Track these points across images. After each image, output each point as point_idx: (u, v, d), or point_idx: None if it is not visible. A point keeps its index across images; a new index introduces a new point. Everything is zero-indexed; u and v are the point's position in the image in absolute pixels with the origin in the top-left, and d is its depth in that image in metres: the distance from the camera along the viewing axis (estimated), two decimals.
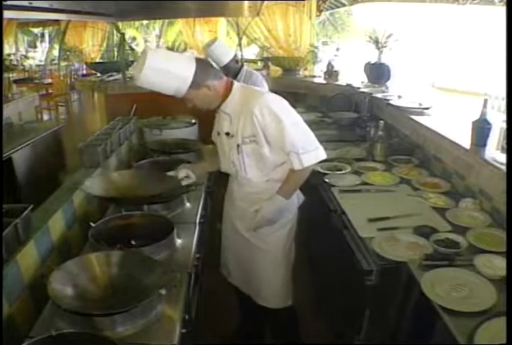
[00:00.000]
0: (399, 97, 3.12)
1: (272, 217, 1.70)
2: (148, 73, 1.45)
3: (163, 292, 1.33)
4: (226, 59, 3.00)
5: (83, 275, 1.40)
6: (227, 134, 1.66)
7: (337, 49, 5.20)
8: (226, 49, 3.07)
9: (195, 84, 1.51)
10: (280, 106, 1.59)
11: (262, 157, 1.64)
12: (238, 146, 1.64)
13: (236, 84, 1.66)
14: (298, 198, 1.83)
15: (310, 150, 1.59)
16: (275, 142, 1.59)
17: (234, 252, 1.94)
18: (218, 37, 7.99)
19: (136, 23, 11.58)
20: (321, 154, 1.63)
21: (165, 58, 1.49)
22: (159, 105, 2.99)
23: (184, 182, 1.82)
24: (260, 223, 1.70)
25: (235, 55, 3.17)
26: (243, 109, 1.60)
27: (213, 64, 2.90)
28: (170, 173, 1.84)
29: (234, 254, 1.94)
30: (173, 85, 1.50)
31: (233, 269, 1.98)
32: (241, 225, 1.82)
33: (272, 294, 1.87)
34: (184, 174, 1.81)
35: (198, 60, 1.55)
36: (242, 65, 3.17)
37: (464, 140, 2.03)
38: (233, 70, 3.04)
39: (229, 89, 1.63)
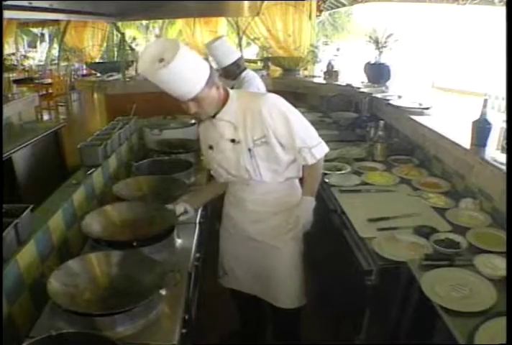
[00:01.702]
0: (399, 97, 3.12)
1: (311, 220, 1.74)
2: (173, 70, 1.35)
3: (163, 292, 1.33)
4: (226, 61, 2.83)
5: (83, 275, 1.40)
6: (232, 140, 1.61)
7: (337, 49, 5.19)
8: (229, 50, 2.90)
9: (210, 81, 1.47)
10: (284, 104, 1.60)
11: (276, 157, 1.63)
12: (249, 150, 1.60)
13: (230, 90, 1.63)
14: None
15: (317, 143, 1.65)
16: (286, 141, 1.60)
17: (243, 258, 1.86)
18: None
19: (136, 23, 11.57)
20: (325, 146, 1.70)
21: (191, 56, 1.41)
22: (159, 105, 2.98)
23: (182, 218, 1.75)
24: (301, 229, 1.74)
25: (240, 59, 2.97)
26: (247, 113, 1.57)
27: (213, 64, 2.80)
28: (169, 206, 1.77)
29: (243, 260, 1.87)
30: (189, 86, 1.42)
31: (242, 275, 1.91)
32: (255, 229, 1.78)
33: (291, 294, 1.84)
34: (182, 209, 1.75)
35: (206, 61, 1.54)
36: (245, 69, 3.00)
37: (464, 140, 2.03)
38: (232, 74, 2.90)
39: (226, 95, 1.59)
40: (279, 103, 1.58)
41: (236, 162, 1.64)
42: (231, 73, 2.92)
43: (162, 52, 1.37)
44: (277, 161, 1.64)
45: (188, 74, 1.39)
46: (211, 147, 1.69)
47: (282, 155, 1.63)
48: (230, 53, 2.88)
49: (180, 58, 1.34)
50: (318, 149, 1.65)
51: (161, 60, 1.35)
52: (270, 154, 1.62)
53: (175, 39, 1.70)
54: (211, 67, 1.48)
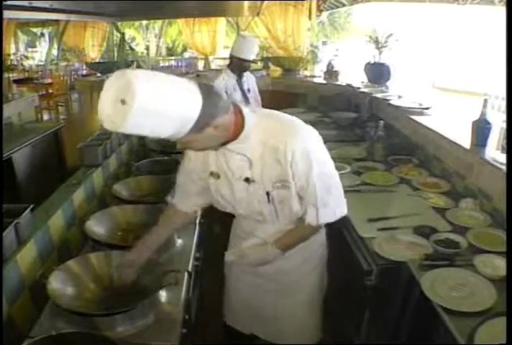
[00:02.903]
0: (399, 97, 3.12)
1: (255, 266, 1.45)
2: (136, 119, 0.96)
3: (163, 292, 1.33)
4: (253, 56, 3.16)
5: (82, 275, 1.40)
6: (247, 179, 1.31)
7: (337, 49, 5.20)
8: (256, 47, 3.24)
9: (200, 124, 1.07)
10: (317, 147, 1.29)
11: (293, 205, 1.35)
12: (268, 193, 1.31)
13: (247, 115, 1.24)
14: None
15: (331, 204, 1.35)
16: (300, 192, 1.32)
17: (254, 301, 1.63)
18: (218, 36, 8.00)
19: (136, 23, 11.58)
20: (341, 212, 1.39)
21: (160, 92, 0.99)
22: None
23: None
24: (239, 263, 1.46)
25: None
26: (267, 148, 1.25)
27: (238, 53, 3.08)
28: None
29: (253, 303, 1.64)
30: (170, 130, 1.04)
31: (250, 314, 1.67)
32: (272, 268, 1.50)
33: (310, 329, 1.67)
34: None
35: (203, 89, 1.07)
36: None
37: (464, 140, 2.03)
38: (245, 69, 3.21)
39: (240, 124, 1.22)
40: (311, 146, 1.26)
41: (248, 204, 1.37)
42: (245, 69, 3.22)
43: (123, 90, 0.96)
44: (295, 209, 1.37)
45: (156, 123, 1.01)
46: (213, 174, 1.35)
47: (297, 205, 1.35)
48: (256, 50, 3.24)
49: (144, 98, 0.94)
50: (328, 212, 1.35)
51: (122, 101, 0.96)
52: (288, 199, 1.34)
53: (147, 75, 0.93)
54: (206, 104, 1.06)
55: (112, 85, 0.99)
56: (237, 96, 3.18)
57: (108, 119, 0.99)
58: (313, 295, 1.62)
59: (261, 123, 1.26)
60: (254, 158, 1.27)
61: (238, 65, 3.16)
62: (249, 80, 3.33)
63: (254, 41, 3.22)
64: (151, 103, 0.96)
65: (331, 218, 1.37)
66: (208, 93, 1.09)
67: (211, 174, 1.35)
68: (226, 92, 3.10)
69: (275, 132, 1.25)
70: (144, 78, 0.98)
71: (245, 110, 1.26)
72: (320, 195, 1.30)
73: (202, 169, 1.38)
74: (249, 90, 3.31)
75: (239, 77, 3.22)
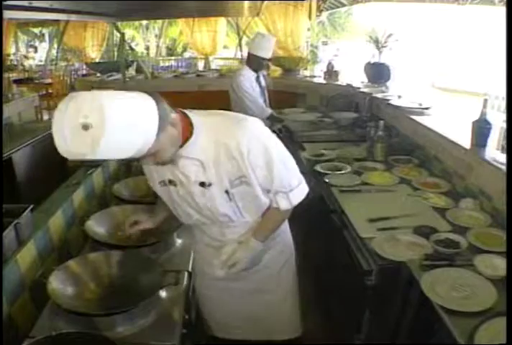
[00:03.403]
0: (399, 97, 3.13)
1: (250, 265, 1.44)
2: (109, 141, 0.92)
3: (163, 292, 1.33)
4: (269, 54, 3.33)
5: (83, 275, 1.40)
6: (202, 184, 1.28)
7: (338, 49, 5.21)
8: (273, 45, 3.40)
9: (161, 126, 1.05)
10: (268, 137, 1.29)
11: (256, 198, 1.36)
12: (227, 192, 1.30)
13: (192, 116, 1.24)
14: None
15: (296, 185, 1.36)
16: (264, 182, 1.31)
17: (232, 305, 1.62)
18: (218, 36, 8.00)
19: (136, 23, 11.57)
20: (305, 186, 1.41)
21: (123, 107, 0.96)
22: None
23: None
24: (235, 272, 1.42)
25: None
26: (220, 147, 1.23)
27: (256, 51, 3.26)
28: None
29: (228, 301, 1.62)
30: (140, 142, 1.00)
31: (229, 318, 1.66)
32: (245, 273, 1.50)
33: (289, 323, 1.71)
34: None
35: (150, 93, 1.08)
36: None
37: (464, 140, 2.03)
38: (262, 67, 3.41)
39: (187, 125, 1.21)
40: (261, 135, 1.26)
41: (209, 208, 1.35)
42: (264, 66, 3.47)
43: (84, 114, 0.91)
44: (257, 201, 1.37)
45: (130, 134, 0.97)
46: (171, 182, 1.32)
47: (261, 196, 1.35)
48: (272, 49, 3.40)
49: (114, 116, 0.92)
50: (297, 192, 1.37)
51: (85, 127, 0.91)
52: (249, 194, 1.34)
53: (111, 97, 0.96)
54: (159, 105, 1.06)
55: (66, 113, 0.92)
56: (259, 92, 3.32)
57: (72, 150, 0.93)
58: (290, 287, 1.65)
59: (207, 122, 1.24)
60: (208, 160, 1.25)
61: (256, 63, 3.29)
62: (264, 79, 3.46)
63: (272, 40, 3.37)
64: (121, 120, 0.93)
65: (301, 196, 1.39)
66: (155, 96, 1.07)
67: (170, 182, 1.33)
68: (252, 87, 3.30)
69: (222, 129, 1.24)
70: (99, 98, 0.93)
71: (188, 112, 1.25)
72: (286, 179, 1.32)
73: (159, 183, 1.36)
74: (264, 88, 3.44)
75: (257, 74, 3.36)
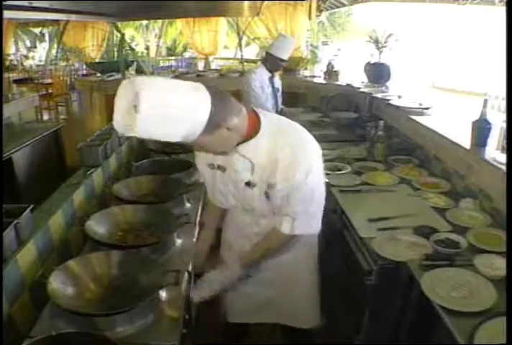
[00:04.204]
0: (399, 97, 3.12)
1: (221, 288, 1.53)
2: (145, 124, 1.02)
3: (163, 292, 1.33)
4: (287, 56, 3.31)
5: (83, 275, 1.39)
6: (247, 183, 1.35)
7: (338, 49, 5.20)
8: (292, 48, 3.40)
9: (211, 126, 1.11)
10: (319, 164, 1.35)
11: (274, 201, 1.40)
12: (266, 193, 1.36)
13: (264, 119, 1.29)
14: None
15: (309, 215, 1.38)
16: (279, 194, 1.35)
17: (254, 294, 1.69)
18: (219, 36, 8.00)
19: (136, 23, 11.57)
20: (317, 226, 1.43)
21: (166, 97, 1.03)
22: None
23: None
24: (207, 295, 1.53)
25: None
26: (273, 157, 1.28)
27: (276, 52, 3.24)
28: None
29: (253, 296, 1.69)
30: (181, 133, 1.08)
31: (251, 302, 1.72)
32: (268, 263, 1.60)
33: (309, 312, 1.76)
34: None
35: (212, 92, 1.10)
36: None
37: (464, 140, 2.03)
38: (279, 68, 3.43)
39: (254, 127, 1.26)
40: (314, 164, 1.31)
41: (247, 203, 1.44)
42: (281, 67, 3.45)
43: (132, 97, 1.02)
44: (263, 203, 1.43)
45: (167, 123, 1.04)
46: (220, 167, 1.40)
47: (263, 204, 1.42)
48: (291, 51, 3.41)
49: (150, 101, 1.00)
50: (305, 223, 1.38)
51: (135, 108, 1.01)
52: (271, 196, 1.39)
53: (151, 82, 1.06)
54: (216, 106, 1.09)
55: (123, 92, 1.05)
56: (270, 93, 3.30)
57: (120, 124, 1.05)
58: (312, 278, 1.71)
59: (274, 130, 1.29)
60: (258, 163, 1.31)
61: (273, 63, 3.29)
62: (278, 80, 3.47)
63: (292, 42, 3.39)
64: (156, 109, 1.01)
65: (306, 229, 1.41)
66: (217, 95, 1.12)
67: (219, 167, 1.40)
68: (262, 87, 3.27)
69: (285, 144, 1.28)
70: (149, 84, 1.03)
71: (262, 114, 1.30)
72: (301, 204, 1.34)
73: (211, 160, 1.42)
74: (278, 89, 3.44)
75: (272, 75, 3.36)
